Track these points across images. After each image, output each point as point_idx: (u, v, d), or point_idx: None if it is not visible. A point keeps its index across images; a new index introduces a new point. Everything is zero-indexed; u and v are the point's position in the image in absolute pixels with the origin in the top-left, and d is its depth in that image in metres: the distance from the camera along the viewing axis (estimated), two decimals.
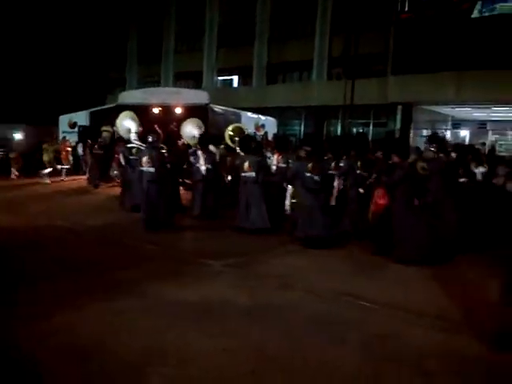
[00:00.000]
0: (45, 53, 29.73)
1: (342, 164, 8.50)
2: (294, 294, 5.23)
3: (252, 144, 9.10)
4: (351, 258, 6.83)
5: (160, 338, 3.95)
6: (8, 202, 11.18)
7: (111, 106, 18.58)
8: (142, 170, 8.48)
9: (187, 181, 11.18)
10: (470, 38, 18.81)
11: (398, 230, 6.71)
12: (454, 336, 4.20)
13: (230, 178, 10.30)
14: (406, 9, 21.22)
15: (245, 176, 8.34)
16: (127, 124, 10.82)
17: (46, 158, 16.10)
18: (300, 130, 26.58)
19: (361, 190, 8.10)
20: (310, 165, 7.51)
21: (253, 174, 8.27)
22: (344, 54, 21.98)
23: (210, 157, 9.65)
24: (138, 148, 10.05)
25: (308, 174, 7.50)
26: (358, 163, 8.25)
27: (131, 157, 10.62)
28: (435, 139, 8.10)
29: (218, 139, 11.32)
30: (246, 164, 8.31)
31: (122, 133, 11.39)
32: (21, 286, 5.13)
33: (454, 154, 8.29)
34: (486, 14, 19.12)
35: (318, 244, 7.25)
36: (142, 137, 9.78)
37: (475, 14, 19.38)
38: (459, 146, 9.05)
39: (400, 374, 3.51)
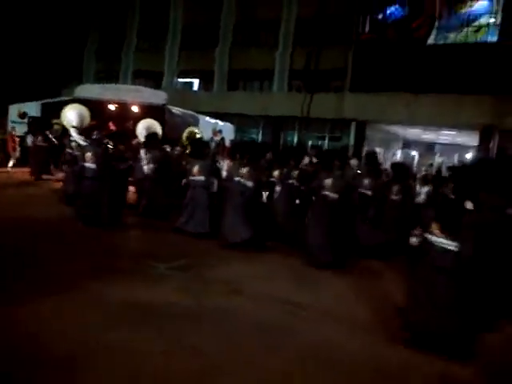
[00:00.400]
0: None
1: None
2: (238, 299, 5.27)
3: (203, 149, 9.04)
4: (294, 266, 6.94)
5: (95, 338, 3.88)
6: None
7: (66, 98, 18.03)
8: (84, 166, 8.31)
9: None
10: (424, 63, 19.71)
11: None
12: (388, 344, 4.36)
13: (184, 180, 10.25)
14: (367, 30, 21.94)
15: (193, 180, 8.34)
16: (70, 116, 10.44)
17: None
18: (257, 138, 26.75)
19: (297, 201, 8.34)
20: (245, 170, 7.66)
21: (202, 178, 8.27)
22: (305, 68, 22.40)
23: (154, 156, 9.63)
24: (78, 143, 9.81)
25: (237, 179, 7.69)
26: (295, 173, 8.52)
27: (68, 150, 10.37)
28: (369, 157, 8.67)
29: (169, 141, 11.26)
30: (196, 168, 8.30)
31: (65, 124, 11.03)
32: None
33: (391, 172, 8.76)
34: (441, 42, 20.09)
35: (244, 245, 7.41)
36: (87, 132, 9.54)
37: (431, 41, 20.32)
38: (396, 165, 9.53)
39: (334, 381, 3.61)
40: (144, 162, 9.53)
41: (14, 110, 19.35)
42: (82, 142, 9.29)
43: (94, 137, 8.61)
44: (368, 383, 3.64)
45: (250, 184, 7.66)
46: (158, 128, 11.07)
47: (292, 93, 25.48)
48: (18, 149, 16.75)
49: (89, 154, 8.25)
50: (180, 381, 3.38)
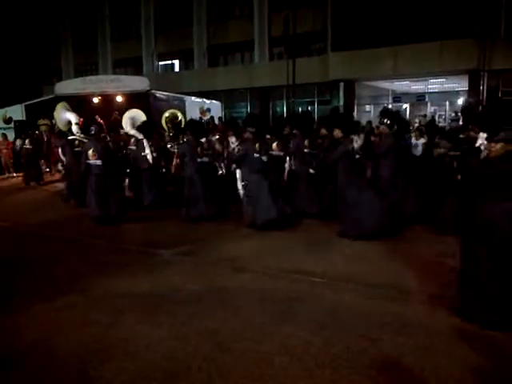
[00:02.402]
0: None
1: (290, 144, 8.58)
2: (246, 276, 5.26)
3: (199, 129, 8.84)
4: (302, 238, 6.87)
5: (106, 331, 3.88)
6: None
7: (48, 97, 17.81)
8: (89, 163, 8.16)
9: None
10: (404, 13, 19.31)
11: (341, 206, 6.86)
12: (404, 305, 4.34)
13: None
14: None
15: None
16: (67, 116, 10.33)
17: None
18: (247, 112, 26.49)
19: (311, 171, 8.12)
20: (256, 145, 7.47)
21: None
22: (284, 34, 21.98)
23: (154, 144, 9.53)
24: (81, 140, 9.72)
25: (256, 155, 7.44)
26: (306, 142, 8.24)
27: (75, 149, 10.24)
28: (388, 114, 8.05)
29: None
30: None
31: (61, 126, 10.91)
32: None
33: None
34: None
35: (268, 226, 7.22)
36: (82, 128, 9.42)
37: None
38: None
39: (350, 343, 3.61)
40: (147, 150, 9.36)
41: None
42: (84, 139, 9.21)
43: (92, 132, 8.46)
44: (391, 344, 3.59)
45: (265, 158, 7.50)
46: (142, 116, 10.83)
47: (274, 61, 25.12)
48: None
49: (91, 151, 8.12)
50: (197, 363, 3.38)
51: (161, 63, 29.84)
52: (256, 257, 5.97)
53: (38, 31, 31.07)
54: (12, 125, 18.74)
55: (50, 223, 8.32)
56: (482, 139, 5.76)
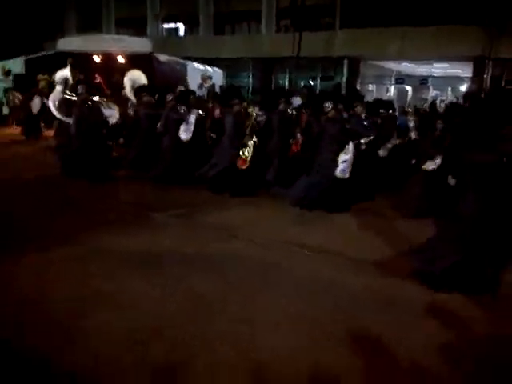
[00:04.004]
0: None
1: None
2: (237, 243, 5.35)
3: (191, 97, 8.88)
4: (298, 210, 6.86)
5: (96, 285, 3.98)
6: None
7: (49, 53, 17.54)
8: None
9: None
10: None
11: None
12: (391, 280, 4.44)
13: None
14: None
15: None
16: (65, 72, 10.07)
17: None
18: (248, 82, 26.25)
19: (291, 141, 8.23)
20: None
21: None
22: (292, 5, 21.60)
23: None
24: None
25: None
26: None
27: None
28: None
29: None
30: None
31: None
32: None
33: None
34: None
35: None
36: (74, 87, 9.26)
37: None
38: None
39: (334, 318, 3.70)
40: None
41: None
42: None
43: (79, 92, 8.41)
44: (372, 319, 3.70)
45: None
46: (143, 79, 10.66)
47: (281, 33, 24.76)
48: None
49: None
50: (177, 320, 3.50)
51: (165, 26, 29.32)
52: (249, 226, 6.04)
53: None
54: (11, 78, 18.52)
55: (46, 180, 8.33)
56: None
